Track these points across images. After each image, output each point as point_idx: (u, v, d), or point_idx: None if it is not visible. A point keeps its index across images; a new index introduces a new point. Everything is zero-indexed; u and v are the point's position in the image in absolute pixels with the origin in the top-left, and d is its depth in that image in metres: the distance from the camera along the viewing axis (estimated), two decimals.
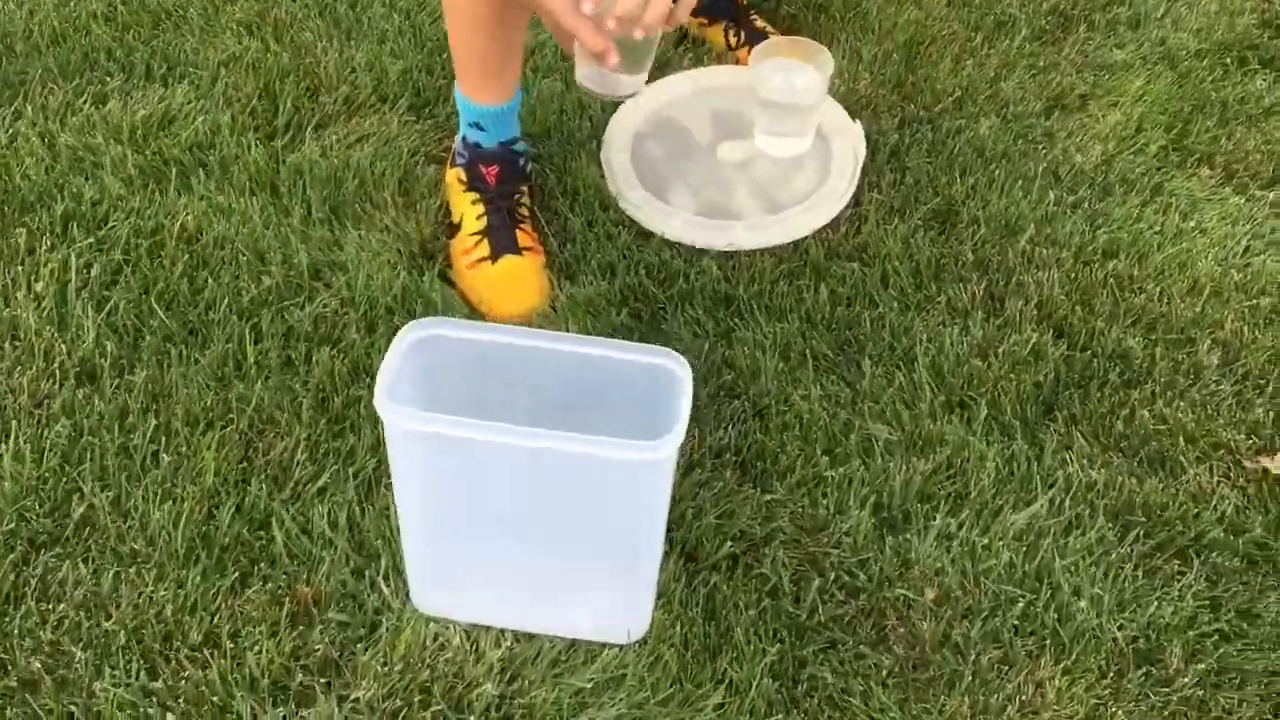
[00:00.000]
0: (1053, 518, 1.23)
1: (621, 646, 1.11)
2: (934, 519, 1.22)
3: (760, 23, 1.73)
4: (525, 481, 1.00)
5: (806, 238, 1.46)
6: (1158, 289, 1.45)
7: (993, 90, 1.70)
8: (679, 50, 1.70)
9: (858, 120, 1.58)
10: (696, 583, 1.15)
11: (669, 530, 1.18)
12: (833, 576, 1.18)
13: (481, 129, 1.41)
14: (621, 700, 1.08)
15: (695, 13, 1.68)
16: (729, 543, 1.18)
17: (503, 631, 1.12)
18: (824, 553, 1.19)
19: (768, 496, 1.24)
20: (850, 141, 1.55)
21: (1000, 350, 1.37)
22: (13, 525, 1.13)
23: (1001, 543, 1.20)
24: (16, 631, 1.07)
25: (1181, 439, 1.30)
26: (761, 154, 1.54)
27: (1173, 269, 1.48)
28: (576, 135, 1.56)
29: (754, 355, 1.34)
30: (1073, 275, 1.46)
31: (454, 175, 1.47)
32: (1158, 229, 1.52)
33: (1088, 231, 1.51)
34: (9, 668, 1.05)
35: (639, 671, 1.09)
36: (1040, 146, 1.62)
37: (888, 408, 1.31)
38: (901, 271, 1.44)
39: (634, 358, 1.01)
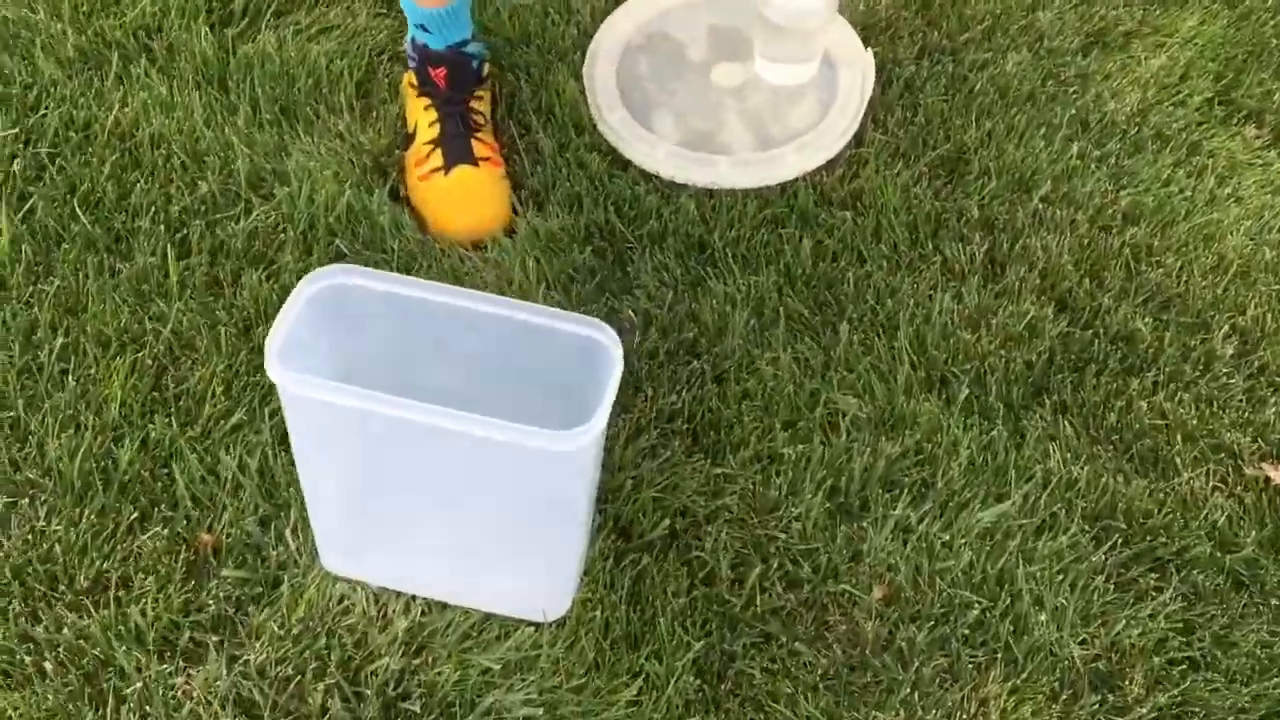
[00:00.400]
0: (1024, 517, 1.13)
1: (538, 626, 1.04)
2: (894, 509, 1.12)
3: None
4: (430, 458, 0.91)
5: (797, 180, 1.33)
6: (1178, 263, 1.32)
7: (1028, 20, 1.53)
8: None
9: (870, 48, 1.43)
10: (626, 563, 1.07)
11: (603, 502, 1.09)
12: (776, 564, 1.09)
13: (427, 30, 1.29)
14: (531, 684, 1.00)
15: None
16: (667, 519, 1.09)
17: (413, 598, 1.04)
18: (770, 536, 1.11)
19: (717, 470, 1.14)
20: (859, 71, 1.41)
21: (993, 322, 1.25)
22: None
23: (964, 541, 1.11)
24: None
25: (1179, 437, 1.19)
26: (760, 80, 1.40)
27: (1197, 242, 1.34)
28: (559, 44, 1.43)
29: (723, 310, 1.23)
30: (1085, 241, 1.33)
31: (407, 79, 1.34)
32: (1188, 194, 1.38)
33: (1109, 191, 1.37)
34: None
35: (553, 655, 1.02)
36: (1072, 90, 1.47)
37: (861, 378, 1.20)
38: (897, 225, 1.31)
39: (562, 326, 0.91)
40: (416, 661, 1.02)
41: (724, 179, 1.31)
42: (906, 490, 1.14)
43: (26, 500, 1.06)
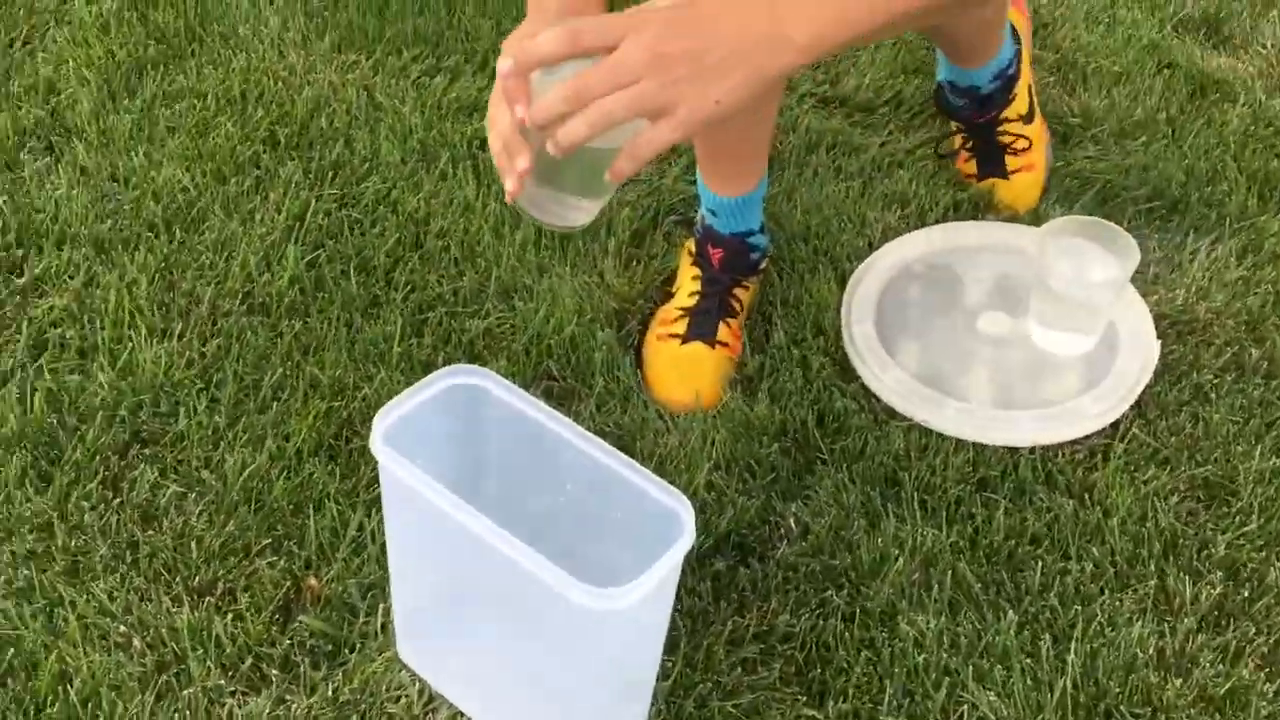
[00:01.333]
0: None
1: None
2: None
3: (1013, 137, 1.48)
4: (495, 578, 0.91)
5: (1023, 450, 1.23)
6: None
7: None
8: (921, 187, 1.49)
9: (1160, 341, 1.30)
10: None
11: (671, 695, 1.03)
12: None
13: (714, 214, 1.33)
14: None
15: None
16: None
17: (461, 714, 1.03)
18: None
19: (808, 711, 1.05)
20: (1139, 361, 1.29)
21: (1194, 674, 1.07)
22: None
23: None
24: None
25: None
26: (1023, 338, 1.32)
27: None
28: (835, 250, 1.42)
29: (887, 551, 1.15)
30: None
31: (688, 245, 1.39)
32: None
33: None
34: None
35: None
36: None
37: (1011, 678, 1.06)
38: (1120, 533, 1.17)
39: (644, 485, 0.89)
40: None
41: (943, 423, 1.23)
42: None
43: (193, 496, 1.17)
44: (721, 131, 1.27)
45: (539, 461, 0.95)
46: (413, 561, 0.99)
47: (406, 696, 1.04)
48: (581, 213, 0.89)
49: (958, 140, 1.53)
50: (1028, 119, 1.51)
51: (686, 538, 0.86)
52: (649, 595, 0.82)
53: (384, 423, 0.91)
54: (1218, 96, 1.67)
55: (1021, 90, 1.50)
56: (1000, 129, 1.49)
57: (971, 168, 1.51)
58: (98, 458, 1.19)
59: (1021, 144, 1.50)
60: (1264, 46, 1.78)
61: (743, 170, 1.32)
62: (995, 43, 1.43)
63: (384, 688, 1.05)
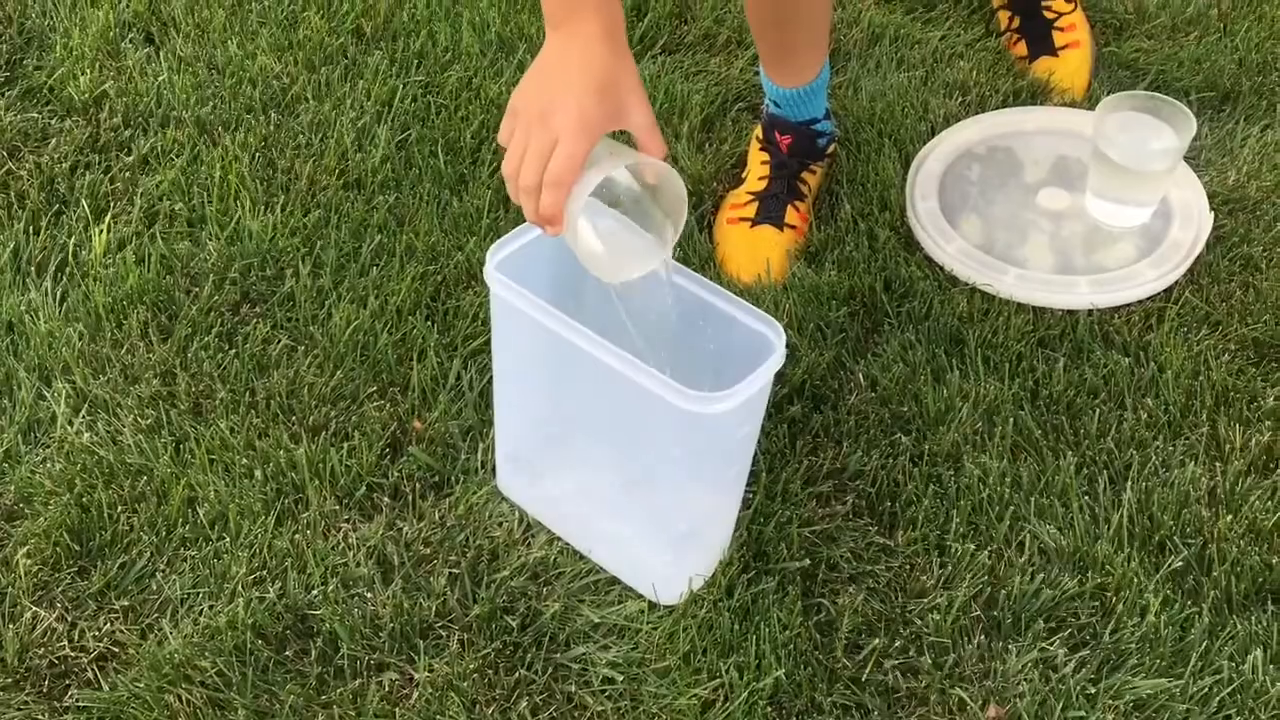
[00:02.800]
0: (1192, 704, 1.01)
1: (651, 605, 1.07)
2: (1048, 642, 1.05)
3: (1057, 13, 1.55)
4: (601, 392, 0.99)
5: (1080, 311, 1.29)
6: None
7: None
8: (981, 75, 1.55)
9: (1213, 212, 1.36)
10: (749, 578, 1.08)
11: (752, 523, 1.11)
12: (899, 644, 1.05)
13: (778, 105, 1.39)
14: (622, 651, 1.04)
15: None
16: (809, 559, 1.09)
17: (557, 539, 1.12)
18: (905, 619, 1.07)
19: (879, 539, 1.12)
20: (1193, 229, 1.34)
21: (1243, 509, 1.14)
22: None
23: (1110, 701, 1.01)
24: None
25: None
26: (1081, 212, 1.38)
27: None
28: (900, 133, 1.48)
29: (951, 402, 1.22)
30: None
31: (756, 131, 1.45)
32: None
33: None
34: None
35: (651, 634, 1.05)
36: None
37: (1070, 514, 1.14)
38: (1174, 388, 1.23)
39: (734, 312, 0.96)
40: (534, 587, 1.09)
41: (1005, 288, 1.30)
42: (1069, 630, 1.06)
43: (302, 349, 1.26)
44: (777, 31, 1.33)
45: (635, 299, 1.03)
46: (518, 386, 1.07)
47: (507, 523, 1.13)
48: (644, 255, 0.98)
49: (1003, 19, 1.59)
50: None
51: (778, 355, 0.93)
52: (747, 402, 0.89)
53: (496, 256, 0.99)
54: None
55: None
56: (1045, 2, 1.55)
57: (1022, 49, 1.57)
58: (212, 313, 1.28)
59: (1066, 21, 1.56)
60: None
61: (802, 64, 1.37)
62: None
63: (486, 515, 1.13)
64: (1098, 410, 1.22)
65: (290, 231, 1.35)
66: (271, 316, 1.28)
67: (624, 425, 0.99)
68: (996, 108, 1.52)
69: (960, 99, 1.54)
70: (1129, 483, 1.16)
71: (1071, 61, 1.55)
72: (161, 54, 1.56)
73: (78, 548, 1.10)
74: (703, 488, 1.00)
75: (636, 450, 1.01)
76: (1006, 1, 1.59)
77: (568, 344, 0.96)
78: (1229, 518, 1.14)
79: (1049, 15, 1.56)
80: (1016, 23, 1.58)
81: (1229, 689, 1.02)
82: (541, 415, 1.10)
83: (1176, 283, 1.33)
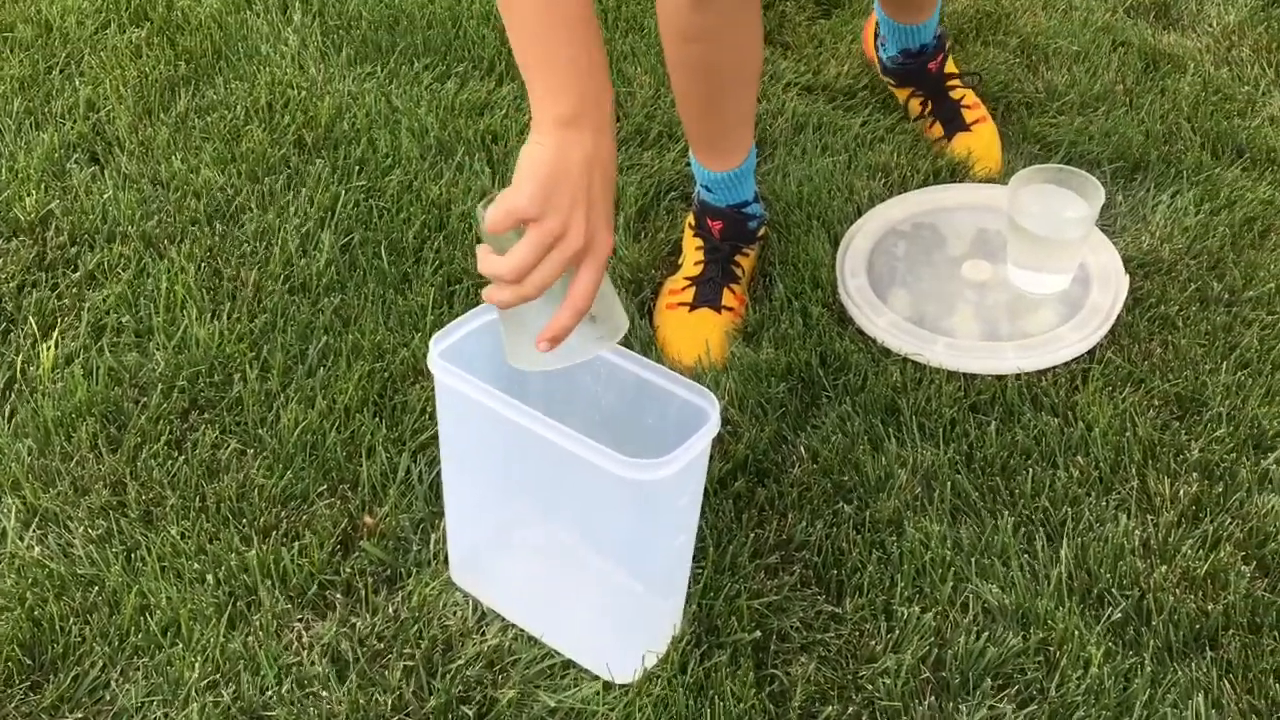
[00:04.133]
0: None
1: (607, 686, 1.08)
2: (995, 700, 1.07)
3: (960, 94, 1.65)
4: (547, 471, 1.01)
5: (1008, 375, 1.34)
6: None
7: None
8: (902, 158, 1.62)
9: (1130, 275, 1.42)
10: (703, 653, 1.09)
11: (703, 597, 1.13)
12: (851, 711, 1.07)
13: (710, 190, 1.45)
14: None
15: (887, 69, 1.68)
16: (760, 631, 1.11)
17: (511, 625, 1.13)
18: (857, 685, 1.09)
19: (828, 607, 1.15)
20: (1111, 293, 1.40)
21: (1176, 560, 1.18)
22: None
23: None
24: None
25: None
26: (1004, 281, 1.44)
27: None
28: (828, 214, 1.54)
29: (891, 469, 1.25)
30: None
31: (689, 219, 1.51)
32: None
33: None
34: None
35: (608, 715, 1.06)
36: None
37: (1010, 573, 1.17)
38: (1103, 445, 1.27)
39: (672, 388, 1.00)
40: (489, 676, 1.09)
41: (935, 357, 1.35)
42: (1016, 686, 1.08)
43: (252, 451, 1.27)
44: (706, 118, 1.39)
45: (574, 381, 1.06)
46: (466, 474, 1.09)
47: (461, 612, 1.14)
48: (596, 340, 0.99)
49: (915, 106, 1.67)
50: (962, 80, 1.68)
51: (713, 422, 0.96)
52: (687, 468, 0.92)
53: (438, 346, 1.02)
54: (1170, 68, 1.80)
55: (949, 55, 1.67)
56: (949, 84, 1.65)
57: (938, 130, 1.65)
58: (161, 422, 1.29)
59: (969, 99, 1.66)
60: (1210, 25, 1.92)
61: (731, 147, 1.43)
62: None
63: (440, 605, 1.14)
64: (1031, 470, 1.25)
65: (237, 337, 1.38)
66: (220, 421, 1.30)
67: (570, 503, 1.02)
68: (918, 187, 1.59)
69: (883, 180, 1.60)
70: (1065, 539, 1.20)
71: (985, 135, 1.63)
72: (106, 172, 1.60)
73: (30, 662, 1.10)
74: (650, 560, 1.02)
75: (584, 527, 1.03)
76: (912, 91, 1.68)
77: (512, 425, 0.98)
78: (1164, 568, 1.17)
79: (955, 96, 1.65)
80: (929, 107, 1.66)
81: None
82: (490, 500, 1.12)
83: (1099, 344, 1.38)
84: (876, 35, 1.70)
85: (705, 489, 1.16)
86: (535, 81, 0.98)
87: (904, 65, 1.65)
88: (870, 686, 1.08)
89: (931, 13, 1.61)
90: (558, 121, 0.96)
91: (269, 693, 1.08)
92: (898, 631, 1.12)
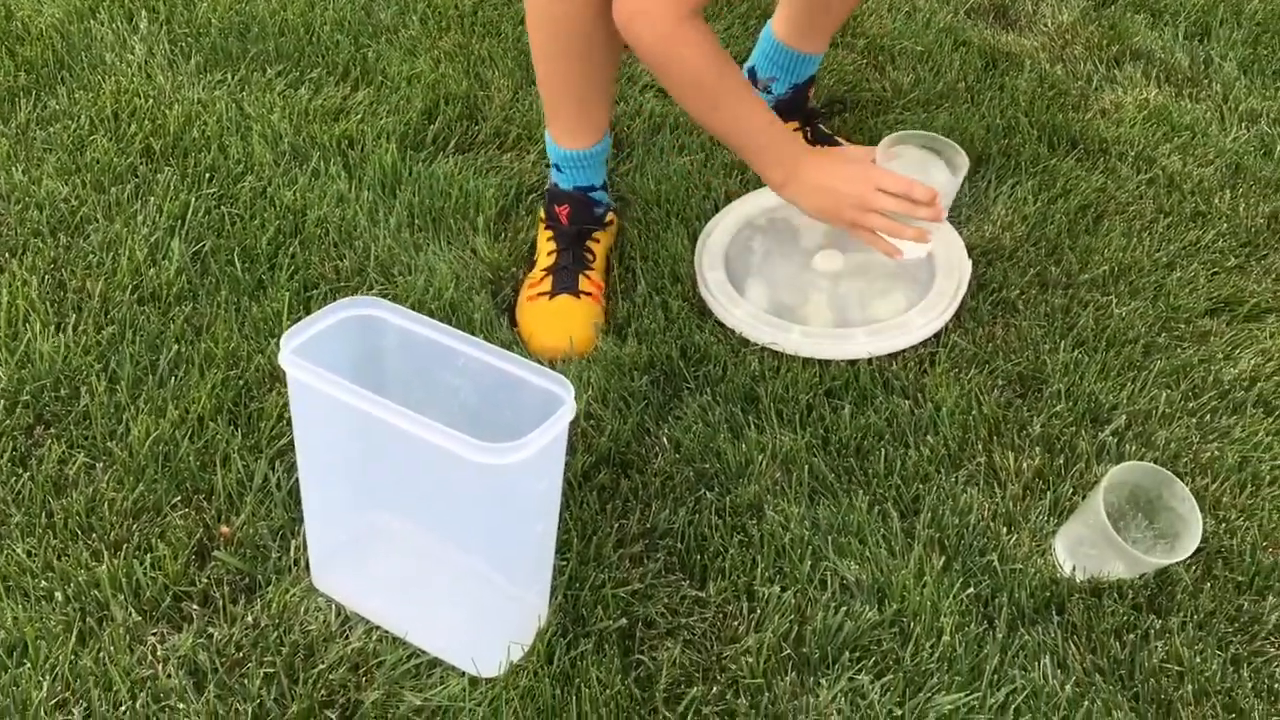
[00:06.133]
0: (989, 714, 1.07)
1: (473, 681, 1.08)
2: (854, 672, 1.10)
3: (826, 130, 1.70)
4: (404, 463, 1.01)
5: (860, 360, 1.38)
6: (1243, 521, 1.25)
7: (1157, 275, 1.54)
8: None
9: (971, 260, 1.48)
10: (568, 642, 1.10)
11: (568, 588, 1.14)
12: (716, 691, 1.09)
13: (560, 170, 1.46)
14: None
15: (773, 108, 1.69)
16: (625, 619, 1.12)
17: (375, 628, 1.12)
18: (721, 665, 1.11)
19: (692, 592, 1.16)
20: (955, 279, 1.46)
21: (1025, 528, 1.23)
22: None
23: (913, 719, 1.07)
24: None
25: (1191, 689, 1.10)
26: (854, 270, 1.48)
27: (1273, 509, 1.27)
28: (685, 211, 1.57)
29: (750, 455, 1.28)
30: None
31: (539, 215, 1.52)
32: (1279, 463, 1.31)
33: (1193, 440, 1.33)
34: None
35: (475, 711, 1.05)
36: (1184, 344, 1.45)
37: (868, 550, 1.20)
38: (950, 423, 1.32)
39: (524, 375, 1.00)
40: (353, 679, 1.08)
41: (790, 345, 1.38)
42: (873, 658, 1.11)
43: (101, 465, 1.24)
44: (567, 85, 1.40)
45: (432, 377, 1.06)
46: (323, 472, 1.08)
47: (323, 616, 1.12)
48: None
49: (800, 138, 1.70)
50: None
51: (568, 406, 0.97)
52: (542, 452, 0.93)
53: (290, 343, 1.01)
54: (1008, 66, 1.89)
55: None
56: (818, 121, 1.69)
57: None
58: (4, 438, 1.25)
59: (826, 128, 1.70)
60: (1045, 25, 2.01)
61: (587, 123, 1.44)
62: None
63: (301, 611, 1.13)
64: (884, 450, 1.30)
65: (84, 350, 1.33)
66: (67, 435, 1.26)
67: (429, 494, 1.01)
68: None
69: (739, 177, 1.64)
70: (918, 515, 1.24)
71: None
72: None
73: None
74: (511, 549, 1.03)
75: (443, 519, 1.03)
76: (797, 125, 1.69)
77: (367, 418, 0.98)
78: (1012, 538, 1.22)
79: (824, 129, 1.70)
80: (809, 136, 1.68)
81: (1023, 696, 1.09)
82: (349, 499, 1.11)
83: (945, 328, 1.43)
84: (755, 80, 1.70)
85: (569, 482, 1.18)
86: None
87: (792, 99, 1.67)
88: (734, 666, 1.11)
89: (823, 46, 1.64)
90: (793, 158, 1.38)
91: (123, 708, 1.04)
92: (759, 611, 1.14)
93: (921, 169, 1.41)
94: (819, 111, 1.72)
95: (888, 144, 1.42)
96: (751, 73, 1.69)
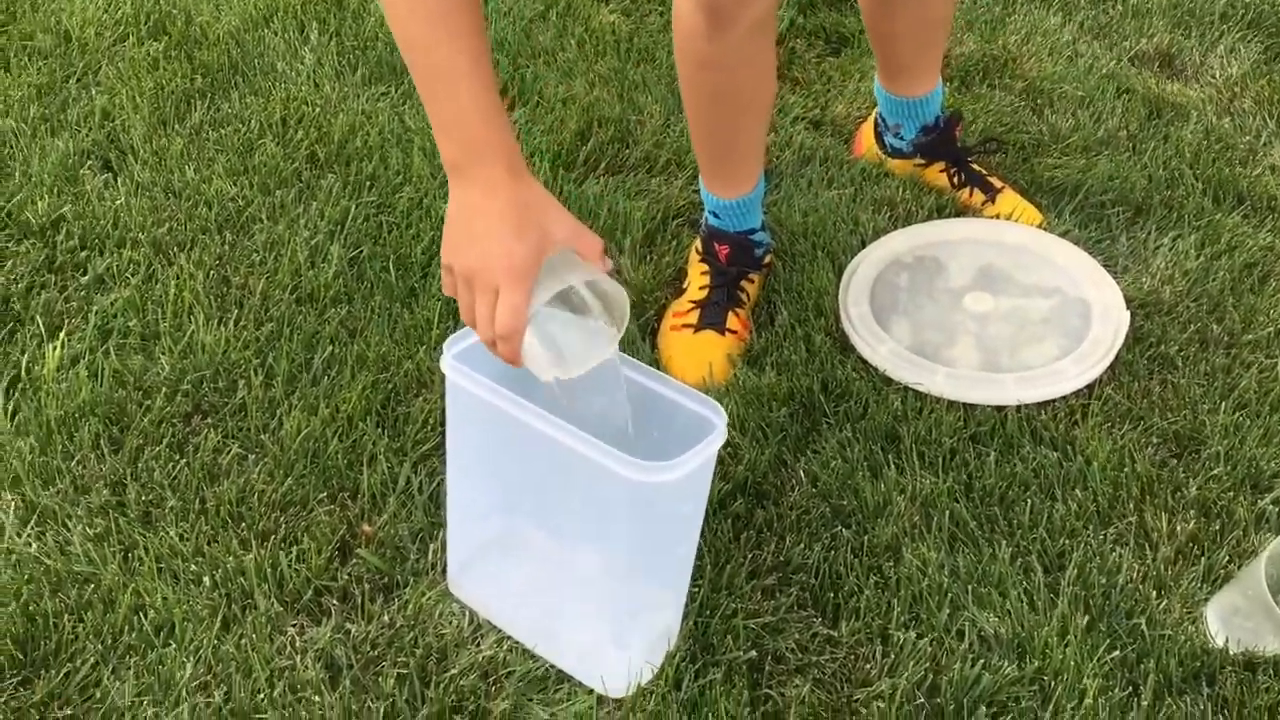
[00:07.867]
0: None
1: (601, 700, 1.08)
2: None
3: (978, 166, 1.65)
4: (552, 472, 1.01)
5: (1008, 407, 1.34)
6: None
7: None
8: (907, 192, 1.64)
9: (1132, 314, 1.43)
10: (697, 670, 1.09)
11: (699, 615, 1.13)
12: None
13: (718, 216, 1.46)
14: None
15: (913, 152, 1.66)
16: (755, 651, 1.11)
17: (507, 637, 1.12)
18: (851, 709, 1.09)
19: (824, 630, 1.15)
20: (1111, 329, 1.41)
21: (1178, 592, 1.18)
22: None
23: None
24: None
25: None
26: (1005, 314, 1.45)
27: None
28: (833, 245, 1.56)
29: (889, 495, 1.25)
30: None
31: (696, 243, 1.52)
32: None
33: None
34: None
35: None
36: None
37: (1010, 603, 1.16)
38: (1101, 479, 1.28)
39: (678, 398, 1.00)
40: (483, 687, 1.09)
41: (935, 387, 1.35)
42: (1010, 715, 1.08)
43: (253, 457, 1.27)
44: (718, 145, 1.41)
45: (587, 389, 1.06)
46: (470, 478, 1.09)
47: (456, 622, 1.14)
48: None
49: (948, 178, 1.65)
50: (978, 153, 1.68)
51: (719, 431, 0.97)
52: (691, 475, 0.92)
53: (453, 349, 1.03)
54: (1173, 116, 1.83)
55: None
56: (970, 158, 1.66)
57: (979, 196, 1.63)
58: (164, 425, 1.29)
59: (986, 169, 1.66)
60: (1213, 77, 1.95)
61: (739, 176, 1.45)
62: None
63: (436, 615, 1.14)
64: (1029, 501, 1.26)
65: (243, 345, 1.38)
66: (223, 426, 1.30)
67: (575, 508, 1.02)
68: (921, 221, 1.61)
69: (888, 213, 1.62)
70: (1063, 570, 1.20)
71: (1012, 198, 1.64)
72: (119, 179, 1.61)
73: (22, 657, 1.09)
74: (650, 570, 1.02)
75: (587, 534, 1.03)
76: (944, 166, 1.66)
77: (519, 426, 0.98)
78: (1162, 603, 1.17)
79: (975, 168, 1.66)
80: (961, 177, 1.65)
81: None
82: (493, 504, 1.12)
83: (1098, 380, 1.39)
84: (882, 129, 1.67)
85: (706, 507, 1.17)
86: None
87: (931, 142, 1.64)
88: (864, 710, 1.08)
89: (931, 85, 1.61)
90: (449, 170, 0.98)
91: (260, 695, 1.07)
92: (893, 656, 1.12)
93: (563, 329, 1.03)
94: (972, 149, 1.68)
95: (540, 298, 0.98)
96: (881, 119, 1.67)
